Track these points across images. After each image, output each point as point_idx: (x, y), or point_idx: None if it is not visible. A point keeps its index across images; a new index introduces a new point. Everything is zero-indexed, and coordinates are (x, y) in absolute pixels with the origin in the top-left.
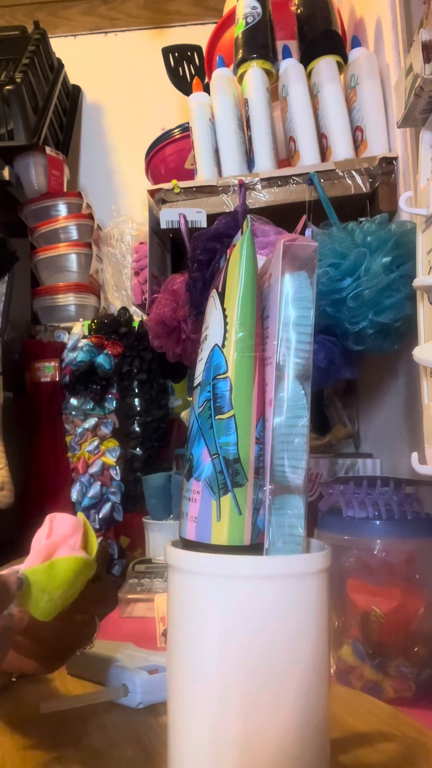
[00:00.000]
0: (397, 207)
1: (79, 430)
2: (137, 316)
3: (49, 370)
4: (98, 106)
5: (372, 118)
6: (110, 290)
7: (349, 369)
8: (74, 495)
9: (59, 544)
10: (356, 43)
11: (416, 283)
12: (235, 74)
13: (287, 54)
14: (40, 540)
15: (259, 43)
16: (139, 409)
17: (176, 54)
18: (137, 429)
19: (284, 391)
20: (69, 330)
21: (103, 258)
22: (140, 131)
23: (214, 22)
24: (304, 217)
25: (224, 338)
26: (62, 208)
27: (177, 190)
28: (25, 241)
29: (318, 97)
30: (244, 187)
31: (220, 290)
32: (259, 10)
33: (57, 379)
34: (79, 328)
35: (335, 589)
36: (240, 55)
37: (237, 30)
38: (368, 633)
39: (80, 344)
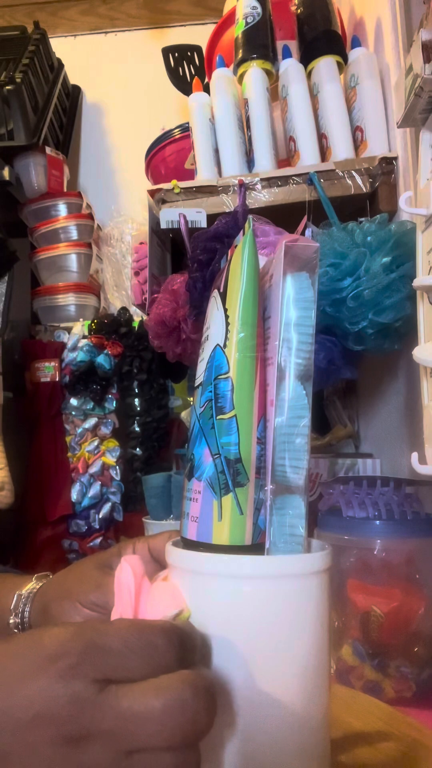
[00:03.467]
0: (397, 207)
1: (79, 430)
2: (137, 316)
3: (49, 370)
4: (98, 106)
5: (372, 118)
6: (110, 290)
7: (349, 369)
8: (74, 495)
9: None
10: (356, 43)
11: (416, 283)
12: (235, 74)
13: (287, 54)
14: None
15: (259, 43)
16: (139, 409)
17: (176, 54)
18: (137, 429)
19: (285, 392)
20: (69, 330)
21: (103, 258)
22: (140, 131)
23: (214, 22)
24: (305, 217)
25: (226, 338)
26: (62, 208)
27: (177, 190)
28: (25, 241)
29: (318, 97)
30: (244, 187)
31: (221, 290)
32: (259, 10)
33: (57, 379)
34: (79, 328)
35: (335, 589)
36: (240, 55)
37: (237, 30)
38: (368, 633)
39: (80, 344)
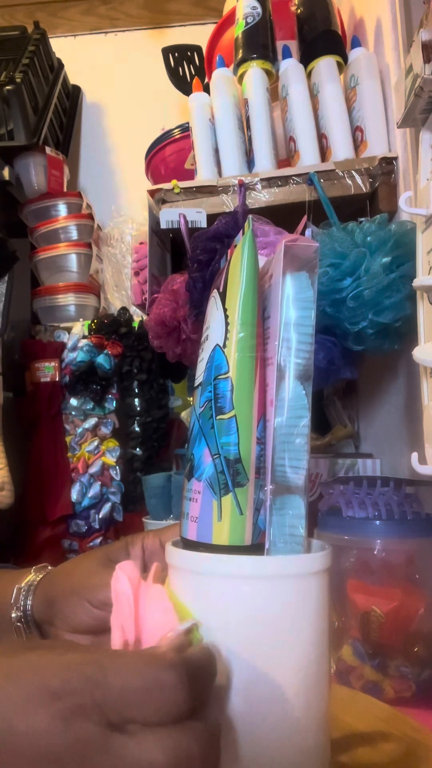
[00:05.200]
0: (397, 207)
1: (79, 430)
2: (137, 316)
3: (49, 370)
4: (98, 106)
5: (372, 118)
6: (110, 290)
7: (349, 369)
8: (74, 495)
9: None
10: (356, 43)
11: (416, 283)
12: (235, 74)
13: (287, 54)
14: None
15: (259, 43)
16: (139, 409)
17: (176, 54)
18: (137, 429)
19: (285, 392)
20: (69, 330)
21: (103, 258)
22: (140, 131)
23: (214, 22)
24: (305, 217)
25: (225, 338)
26: (62, 208)
27: (177, 190)
28: (25, 241)
29: (318, 97)
30: (244, 187)
31: (221, 290)
32: (259, 10)
33: (57, 379)
34: (79, 328)
35: (335, 589)
36: (240, 55)
37: (237, 30)
38: (368, 633)
39: (80, 344)
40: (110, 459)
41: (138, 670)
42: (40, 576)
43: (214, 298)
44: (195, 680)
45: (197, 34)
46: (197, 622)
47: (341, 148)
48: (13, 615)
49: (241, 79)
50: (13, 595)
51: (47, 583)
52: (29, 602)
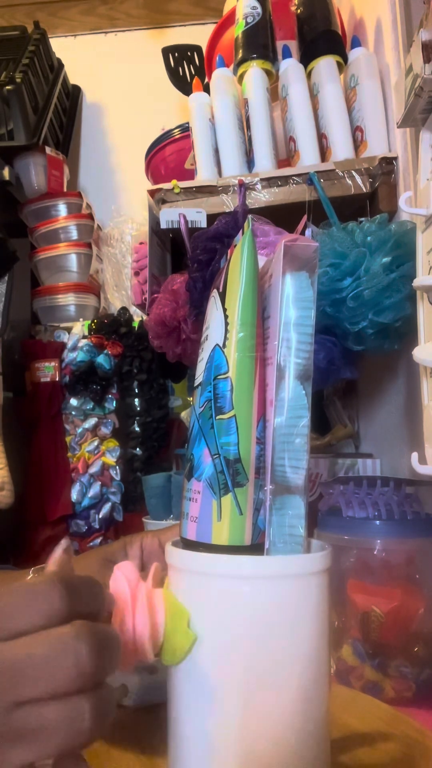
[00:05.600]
0: (397, 207)
1: (79, 430)
2: (137, 316)
3: (49, 370)
4: (98, 106)
5: (372, 118)
6: (110, 290)
7: (349, 369)
8: (74, 495)
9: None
10: (356, 43)
11: (416, 283)
12: (235, 74)
13: (287, 54)
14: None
15: (259, 43)
16: (139, 409)
17: (176, 54)
18: (137, 429)
19: (285, 392)
20: (69, 330)
21: (103, 258)
22: (140, 131)
23: (214, 22)
24: (305, 217)
25: (225, 338)
26: (62, 208)
27: (177, 190)
28: (25, 241)
29: (318, 97)
30: (244, 187)
31: (221, 290)
32: (259, 10)
33: (57, 379)
34: (79, 328)
35: (335, 589)
36: (240, 55)
37: (237, 30)
38: (368, 633)
39: (80, 344)
40: (110, 459)
41: (16, 589)
42: None
43: (214, 298)
44: (69, 585)
45: (197, 34)
46: (184, 616)
47: (341, 148)
48: None
49: (241, 79)
50: None
51: None
52: None
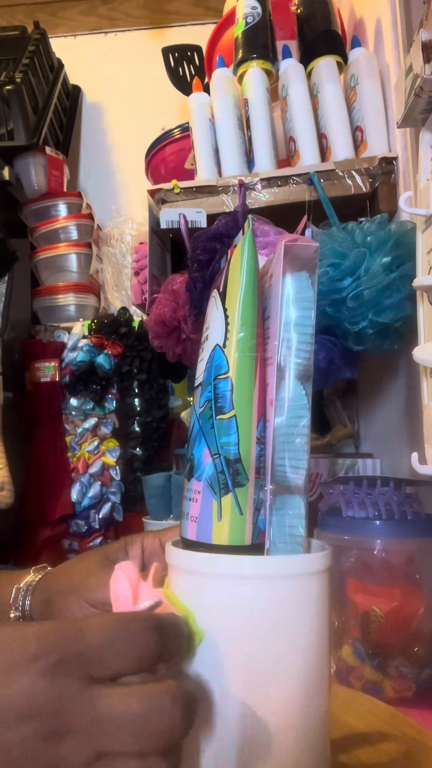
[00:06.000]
0: (397, 207)
1: (79, 430)
2: (137, 316)
3: (49, 370)
4: (98, 106)
5: (372, 118)
6: (110, 290)
7: (349, 369)
8: (74, 495)
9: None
10: (356, 43)
11: (416, 283)
12: (235, 74)
13: (287, 54)
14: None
15: (259, 43)
16: (139, 409)
17: (176, 54)
18: (137, 429)
19: (285, 392)
20: (69, 330)
21: (103, 258)
22: (140, 131)
23: (214, 22)
24: (305, 217)
25: (225, 338)
26: (62, 208)
27: (177, 190)
28: (25, 241)
29: (318, 97)
30: (244, 187)
31: (221, 290)
32: (259, 10)
33: (57, 379)
34: (79, 328)
35: (335, 589)
36: (240, 55)
37: (237, 30)
38: (368, 633)
39: (80, 344)
40: (110, 459)
41: (111, 624)
42: (39, 576)
43: (214, 298)
44: (164, 633)
45: (197, 34)
46: (188, 615)
47: (341, 148)
48: (12, 615)
49: (241, 79)
50: (12, 595)
51: (46, 583)
52: (28, 602)
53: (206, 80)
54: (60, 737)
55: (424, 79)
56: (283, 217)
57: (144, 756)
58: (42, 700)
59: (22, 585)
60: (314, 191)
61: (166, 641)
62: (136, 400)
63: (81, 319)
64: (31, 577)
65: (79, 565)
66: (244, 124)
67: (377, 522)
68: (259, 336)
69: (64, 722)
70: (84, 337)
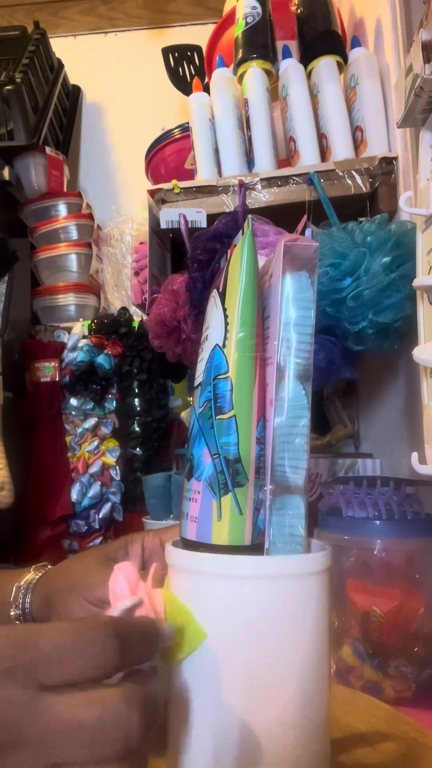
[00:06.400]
0: (397, 207)
1: (79, 430)
2: (137, 316)
3: (49, 370)
4: (98, 106)
5: (372, 118)
6: (110, 290)
7: (349, 369)
8: (74, 495)
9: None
10: (356, 43)
11: (416, 283)
12: (235, 74)
13: (287, 54)
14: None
15: (259, 43)
16: (139, 409)
17: (176, 54)
18: (137, 429)
19: (285, 392)
20: (69, 330)
21: (103, 258)
22: (140, 131)
23: (214, 22)
24: (305, 217)
25: (225, 338)
26: (62, 208)
27: (177, 190)
28: (25, 241)
29: (318, 97)
30: (244, 187)
31: (220, 290)
32: (259, 10)
33: (57, 379)
34: (79, 328)
35: (335, 589)
36: (240, 55)
37: (237, 30)
38: (368, 633)
39: (80, 344)
40: (110, 459)
41: (67, 631)
42: (39, 575)
43: (214, 298)
44: (125, 635)
45: (197, 34)
46: (189, 615)
47: (341, 148)
48: (12, 613)
49: (241, 79)
50: (12, 593)
51: (46, 581)
52: (28, 600)
53: (206, 80)
54: (9, 747)
55: (424, 79)
56: (283, 217)
57: (99, 765)
58: None
59: (22, 583)
60: (314, 191)
61: (128, 648)
62: (136, 400)
63: (81, 319)
64: (31, 575)
65: (79, 564)
66: (244, 124)
67: (377, 522)
68: (258, 336)
69: (12, 732)
70: (84, 337)
